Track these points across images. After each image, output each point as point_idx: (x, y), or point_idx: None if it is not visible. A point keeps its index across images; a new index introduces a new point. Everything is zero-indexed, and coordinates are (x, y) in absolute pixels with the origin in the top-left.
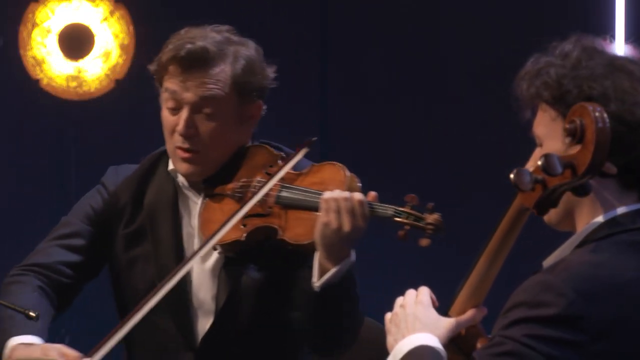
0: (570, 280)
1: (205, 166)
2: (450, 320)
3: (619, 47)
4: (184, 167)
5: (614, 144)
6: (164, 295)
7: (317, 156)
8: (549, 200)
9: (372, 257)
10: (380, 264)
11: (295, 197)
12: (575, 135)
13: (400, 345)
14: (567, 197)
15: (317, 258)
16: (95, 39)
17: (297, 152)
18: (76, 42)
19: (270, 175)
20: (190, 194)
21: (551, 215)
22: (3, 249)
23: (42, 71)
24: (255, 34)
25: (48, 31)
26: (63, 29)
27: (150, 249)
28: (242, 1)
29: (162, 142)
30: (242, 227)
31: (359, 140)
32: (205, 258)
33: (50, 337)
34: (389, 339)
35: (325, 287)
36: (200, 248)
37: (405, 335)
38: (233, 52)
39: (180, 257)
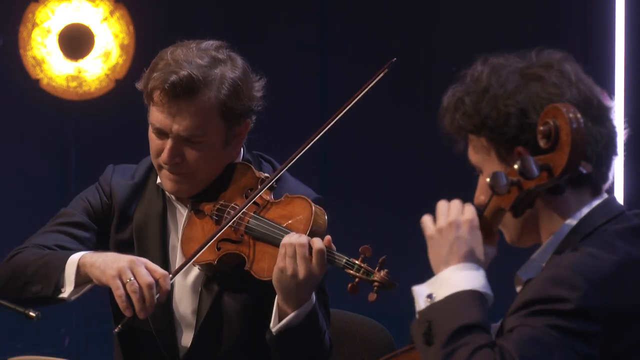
0: (579, 271)
1: (190, 186)
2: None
3: (619, 47)
4: (169, 185)
5: None
6: None
7: (317, 156)
8: (524, 201)
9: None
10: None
11: (262, 230)
12: (550, 137)
13: (446, 275)
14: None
15: (276, 301)
16: (95, 39)
17: (375, 76)
18: (76, 42)
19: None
20: (178, 206)
21: (511, 232)
22: (3, 248)
23: (42, 71)
24: (254, 34)
25: (48, 31)
26: (63, 29)
27: None
28: (242, 2)
29: None
30: (216, 250)
31: (359, 139)
32: (186, 273)
33: (50, 337)
34: (431, 252)
35: (283, 331)
36: (176, 272)
37: (450, 262)
38: (219, 77)
39: (165, 269)
